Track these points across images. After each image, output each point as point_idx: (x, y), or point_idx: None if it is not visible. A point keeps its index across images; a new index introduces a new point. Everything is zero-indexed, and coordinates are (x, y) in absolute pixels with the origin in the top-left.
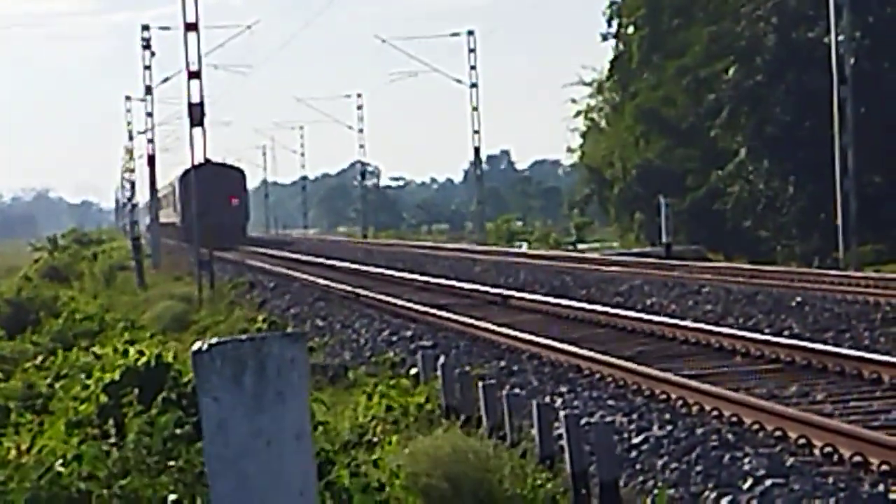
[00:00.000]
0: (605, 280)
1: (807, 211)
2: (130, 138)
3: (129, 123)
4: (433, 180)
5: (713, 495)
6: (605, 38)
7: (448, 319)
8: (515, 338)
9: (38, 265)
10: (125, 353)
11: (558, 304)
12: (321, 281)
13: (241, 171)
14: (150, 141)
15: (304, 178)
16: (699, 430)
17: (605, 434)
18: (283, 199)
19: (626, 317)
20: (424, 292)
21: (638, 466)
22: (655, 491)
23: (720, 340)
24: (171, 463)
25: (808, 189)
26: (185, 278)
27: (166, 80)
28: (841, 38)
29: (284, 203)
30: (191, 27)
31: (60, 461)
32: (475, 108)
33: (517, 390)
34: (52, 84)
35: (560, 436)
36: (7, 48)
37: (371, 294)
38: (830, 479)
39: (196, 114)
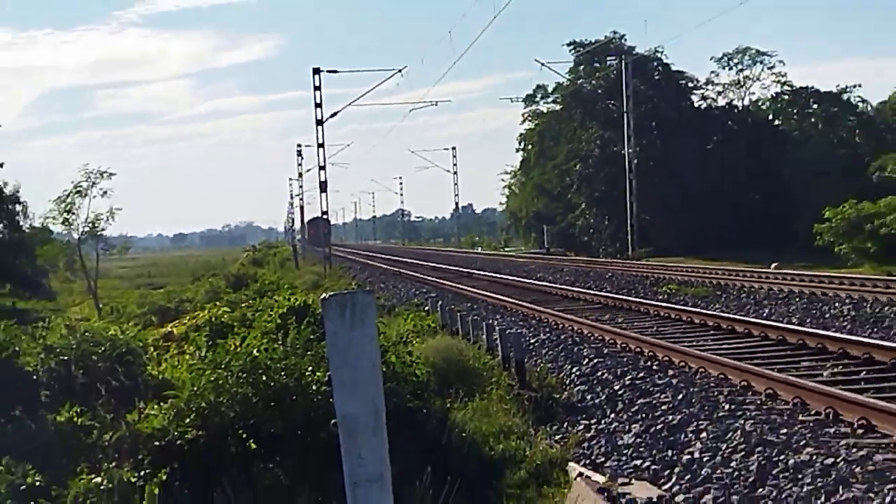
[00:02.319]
0: (517, 265)
1: (614, 232)
2: (291, 197)
3: (290, 190)
4: (435, 217)
5: (569, 366)
6: (517, 150)
7: (443, 283)
8: (475, 292)
9: (246, 258)
10: (288, 299)
11: (495, 277)
12: (382, 265)
13: (328, 219)
14: (300, 198)
15: (374, 217)
16: (562, 336)
17: (517, 338)
18: (363, 227)
19: (527, 283)
20: (431, 270)
21: (533, 354)
22: (540, 365)
23: (573, 294)
24: (309, 352)
25: (614, 222)
26: (317, 265)
27: (309, 170)
28: (630, 151)
29: (364, 228)
30: (322, 168)
31: (256, 350)
32: (455, 184)
33: (475, 317)
34: (251, 160)
35: (496, 339)
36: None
37: (405, 271)
38: (624, 359)
39: (322, 188)
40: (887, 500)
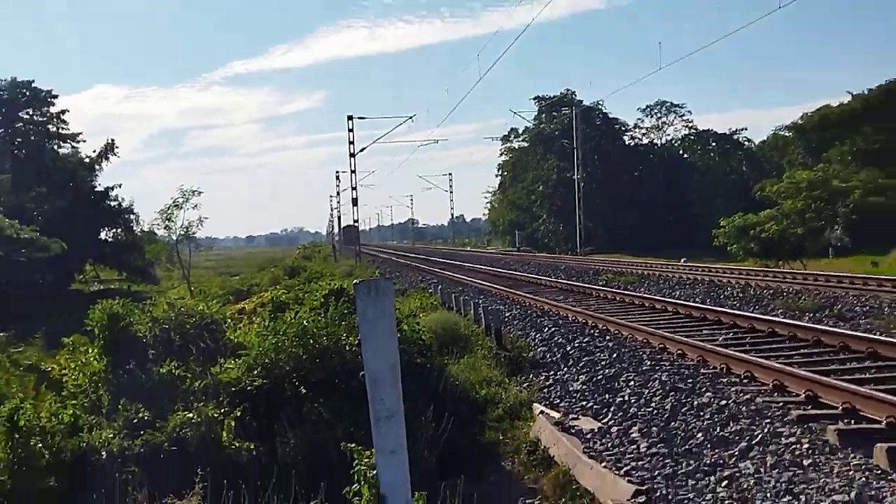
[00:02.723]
0: (496, 259)
1: (567, 236)
2: (331, 209)
3: (330, 204)
4: (437, 224)
5: (534, 333)
6: (496, 175)
7: (443, 272)
8: (465, 279)
9: (298, 254)
10: (329, 284)
11: (479, 268)
12: (398, 259)
13: (357, 226)
14: (338, 210)
15: (392, 224)
16: (528, 311)
17: (495, 312)
18: (384, 231)
19: (502, 272)
20: (434, 265)
21: (507, 324)
22: (512, 333)
23: (536, 280)
24: (344, 322)
25: (567, 228)
26: (350, 259)
27: (344, 189)
28: (578, 177)
29: (385, 232)
30: (353, 188)
31: (305, 321)
32: (451, 200)
33: (465, 297)
34: (302, 181)
35: (480, 313)
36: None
37: (414, 264)
38: (574, 328)
39: (354, 203)
40: (766, 430)
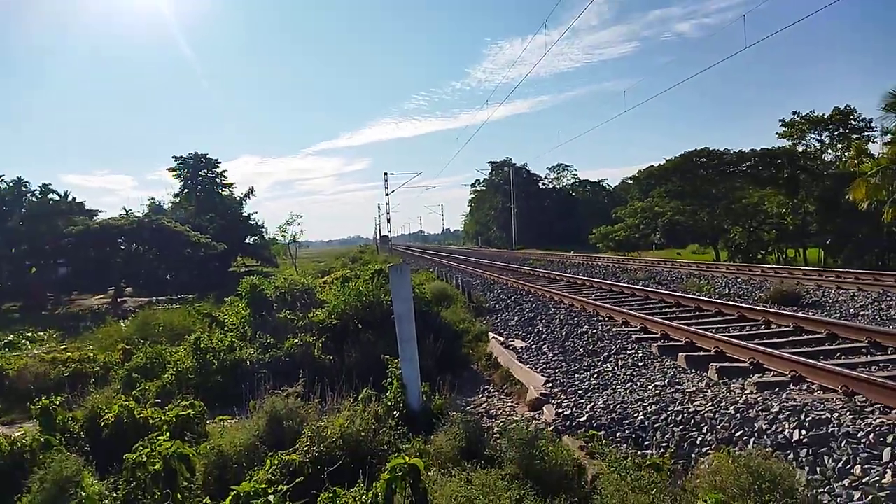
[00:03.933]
0: (467, 253)
1: (507, 238)
2: (375, 225)
3: (375, 221)
4: (436, 233)
5: (489, 293)
6: (468, 205)
7: (437, 260)
8: (450, 263)
9: (358, 251)
10: (374, 267)
11: (457, 258)
12: (413, 253)
13: (388, 236)
14: (379, 225)
15: (410, 233)
16: (486, 281)
17: (467, 282)
18: (405, 238)
19: (469, 259)
20: (433, 256)
21: (474, 288)
22: (477, 293)
23: (489, 263)
24: (383, 287)
25: (507, 235)
26: (386, 254)
27: (382, 214)
28: (513, 207)
29: (405, 239)
30: (388, 213)
31: (361, 287)
32: (443, 219)
33: (450, 273)
34: (359, 208)
35: (459, 282)
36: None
37: (422, 256)
38: (510, 290)
39: (388, 220)
40: (618, 347)
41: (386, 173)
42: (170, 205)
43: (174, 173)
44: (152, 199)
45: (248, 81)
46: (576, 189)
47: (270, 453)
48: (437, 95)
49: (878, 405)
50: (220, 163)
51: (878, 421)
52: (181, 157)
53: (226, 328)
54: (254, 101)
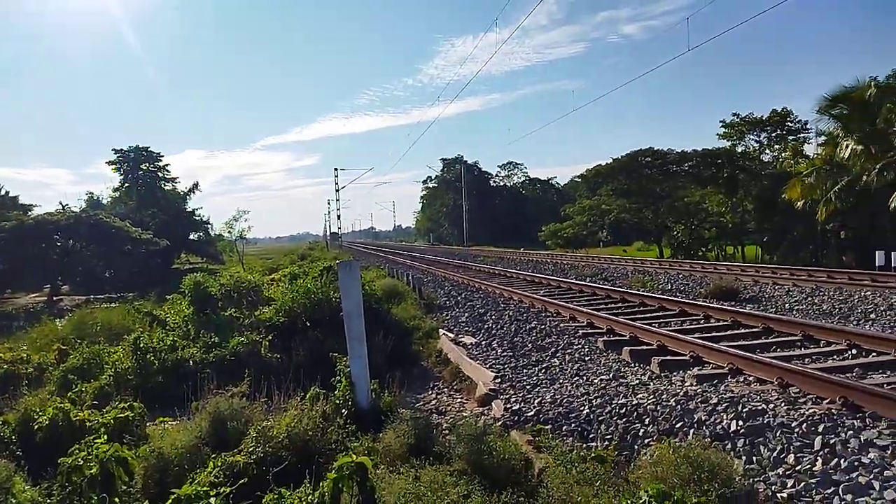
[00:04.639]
0: (419, 249)
1: (459, 235)
2: (325, 221)
3: (325, 217)
4: (387, 230)
5: (439, 290)
6: (419, 202)
7: (388, 257)
8: (401, 260)
9: (306, 247)
10: (323, 264)
11: (409, 255)
12: (363, 250)
13: (338, 233)
14: (328, 222)
15: (360, 230)
16: (437, 278)
17: (418, 279)
18: (356, 235)
19: (421, 256)
20: (384, 254)
21: (425, 285)
22: (428, 290)
23: (440, 260)
24: (331, 284)
25: (459, 232)
26: (336, 251)
27: (332, 210)
28: (465, 204)
29: (356, 235)
30: (338, 210)
31: (309, 284)
32: (394, 216)
33: (401, 270)
34: (311, 203)
35: (409, 279)
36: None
37: (373, 252)
38: (461, 286)
39: (338, 217)
40: (566, 342)
41: (336, 169)
42: (109, 200)
43: (114, 167)
44: (90, 193)
45: (195, 71)
46: (526, 187)
47: (213, 455)
48: (388, 91)
49: (811, 396)
50: (162, 156)
51: (810, 411)
52: (121, 150)
53: (167, 327)
54: (201, 92)
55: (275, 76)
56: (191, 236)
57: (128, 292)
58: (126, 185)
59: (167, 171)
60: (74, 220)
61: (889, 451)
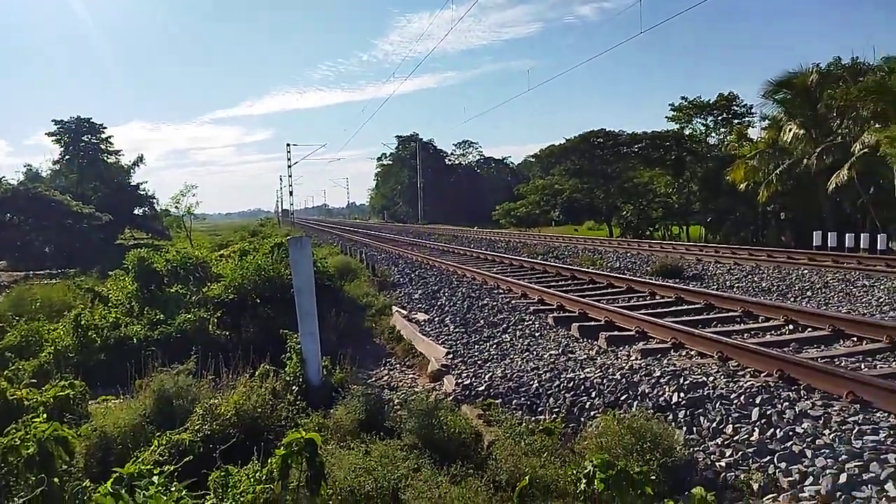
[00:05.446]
0: (373, 227)
1: (414, 214)
2: (277, 197)
3: (278, 193)
4: (341, 206)
5: (393, 267)
6: (374, 179)
7: (342, 234)
8: (355, 238)
9: (258, 224)
10: (274, 240)
11: (363, 232)
12: (317, 227)
13: (291, 209)
14: (280, 198)
15: (314, 206)
16: (391, 255)
17: (371, 256)
18: (310, 212)
19: (375, 234)
20: (337, 231)
21: (378, 263)
22: (382, 267)
23: (394, 238)
24: (282, 261)
25: (414, 210)
26: (288, 227)
27: (284, 186)
28: (420, 182)
29: (310, 212)
30: (290, 186)
31: (260, 261)
32: (348, 193)
33: (354, 247)
34: (262, 179)
35: (363, 256)
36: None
37: (326, 229)
38: (415, 264)
39: (290, 194)
40: (517, 318)
41: (289, 144)
42: (49, 172)
43: (54, 139)
44: (29, 166)
45: (142, 39)
46: (481, 166)
47: (158, 433)
48: (343, 66)
49: (749, 369)
50: (105, 128)
51: (748, 384)
52: (62, 121)
53: (110, 304)
54: (147, 60)
55: (225, 47)
56: (135, 211)
57: (69, 268)
58: (67, 157)
59: (110, 143)
60: (12, 193)
61: (821, 421)
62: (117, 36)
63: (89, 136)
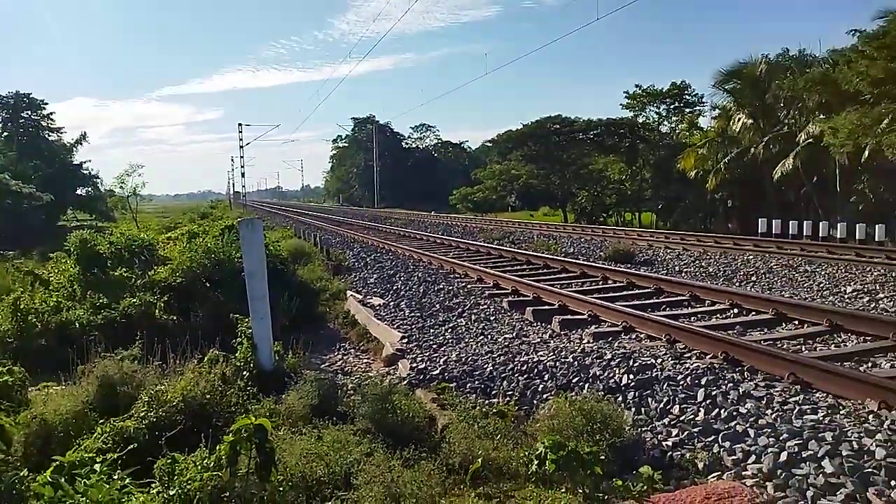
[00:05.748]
0: (329, 210)
1: (371, 198)
2: (229, 179)
3: (229, 175)
4: (295, 189)
5: (348, 251)
6: (329, 162)
7: (296, 217)
8: (309, 221)
9: (208, 206)
10: (225, 222)
11: (318, 215)
12: (270, 210)
13: (242, 191)
14: (232, 180)
15: (267, 189)
16: (346, 239)
17: (326, 239)
18: (262, 194)
19: (330, 217)
20: (291, 214)
21: (333, 246)
22: (336, 251)
23: (349, 222)
24: (233, 244)
25: (370, 193)
26: (240, 209)
27: (236, 168)
28: (376, 165)
29: (263, 195)
30: (242, 167)
31: (210, 243)
32: (303, 175)
33: (308, 230)
34: (213, 159)
35: (318, 239)
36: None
37: (280, 212)
38: (371, 248)
39: (242, 175)
40: (472, 302)
41: (240, 124)
42: None
43: None
44: None
45: (85, 9)
46: (438, 150)
47: (102, 421)
48: (298, 45)
49: (696, 351)
50: (46, 104)
51: (694, 365)
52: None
53: (51, 287)
54: (91, 31)
55: (175, 21)
56: (78, 191)
57: (7, 250)
58: (5, 134)
59: (51, 120)
60: None
61: (764, 402)
62: (60, 6)
63: (29, 113)
